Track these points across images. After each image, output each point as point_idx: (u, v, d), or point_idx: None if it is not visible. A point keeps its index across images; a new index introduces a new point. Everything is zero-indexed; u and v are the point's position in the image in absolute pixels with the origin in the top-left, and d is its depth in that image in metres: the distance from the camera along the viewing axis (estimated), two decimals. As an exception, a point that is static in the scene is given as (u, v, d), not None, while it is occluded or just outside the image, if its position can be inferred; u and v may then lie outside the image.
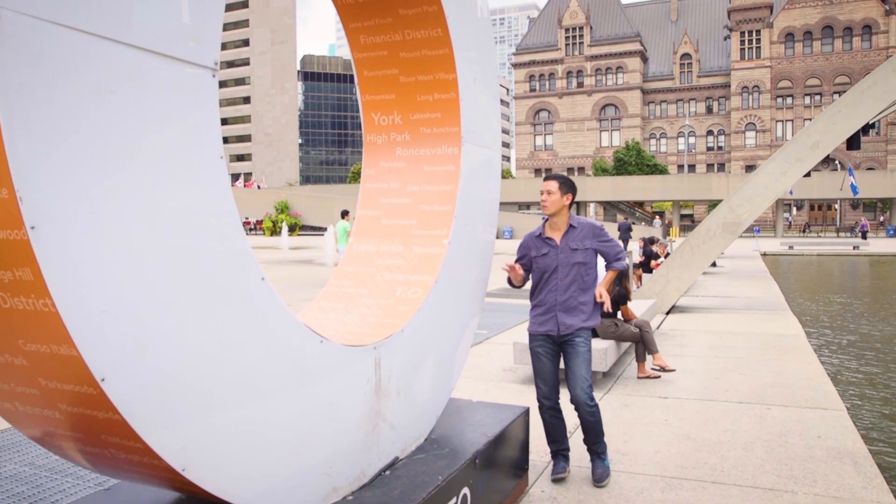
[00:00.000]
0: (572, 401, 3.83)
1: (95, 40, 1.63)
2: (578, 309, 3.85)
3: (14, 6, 1.44)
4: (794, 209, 75.00)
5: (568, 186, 3.88)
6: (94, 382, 1.66)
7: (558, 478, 3.94)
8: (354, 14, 3.38)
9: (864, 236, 43.82)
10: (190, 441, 1.91)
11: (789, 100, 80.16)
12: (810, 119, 68.98)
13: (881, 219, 65.87)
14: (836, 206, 72.70)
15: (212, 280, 1.97)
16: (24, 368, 1.75)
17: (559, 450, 4.03)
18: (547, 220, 3.93)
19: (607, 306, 3.87)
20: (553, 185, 3.85)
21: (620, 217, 68.98)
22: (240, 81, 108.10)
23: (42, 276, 1.52)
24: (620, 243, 4.01)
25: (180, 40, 1.84)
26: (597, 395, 5.92)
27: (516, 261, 3.99)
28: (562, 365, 3.96)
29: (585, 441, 4.00)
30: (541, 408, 3.96)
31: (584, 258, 3.86)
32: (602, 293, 3.86)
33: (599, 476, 3.93)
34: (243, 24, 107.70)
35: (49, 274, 1.53)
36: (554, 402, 3.94)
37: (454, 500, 2.93)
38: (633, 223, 31.07)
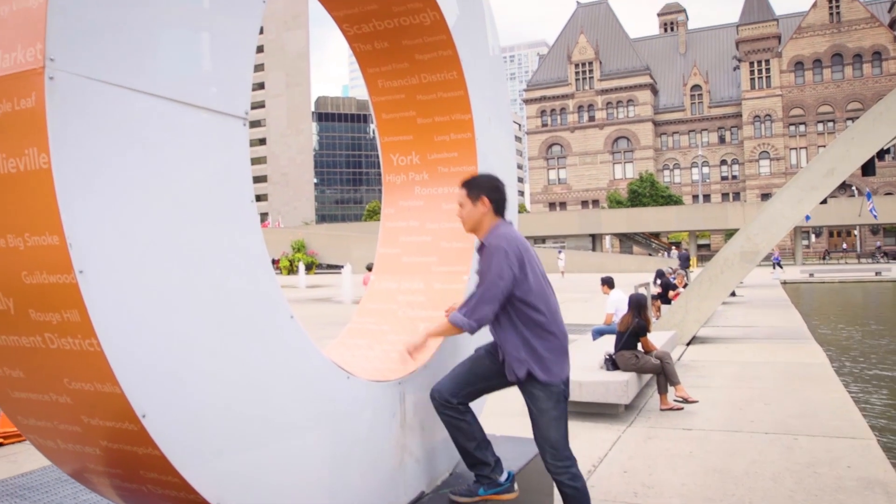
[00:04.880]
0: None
1: (137, 95, 1.74)
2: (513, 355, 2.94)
3: (67, 67, 1.56)
4: (813, 236, 74.40)
5: (480, 187, 2.97)
6: (136, 419, 1.72)
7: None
8: (372, 60, 3.52)
9: (778, 265, 39.54)
10: (225, 476, 1.97)
11: (802, 127, 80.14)
12: (824, 146, 68.91)
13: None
14: (856, 231, 72.00)
15: (245, 319, 2.05)
16: (67, 406, 1.83)
17: (473, 462, 3.01)
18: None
19: (413, 356, 2.93)
20: (461, 195, 2.99)
21: (637, 249, 68.77)
22: (255, 123, 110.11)
23: (89, 318, 1.61)
24: (492, 299, 2.83)
25: (215, 93, 1.96)
26: (619, 428, 5.89)
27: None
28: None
29: None
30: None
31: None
32: (415, 346, 2.92)
33: None
34: (259, 67, 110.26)
35: (95, 315, 1.61)
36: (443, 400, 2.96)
37: (481, 534, 2.93)
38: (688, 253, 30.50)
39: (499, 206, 2.99)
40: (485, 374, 3.03)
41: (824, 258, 65.29)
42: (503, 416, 6.41)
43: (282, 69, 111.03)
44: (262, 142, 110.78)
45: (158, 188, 1.79)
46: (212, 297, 1.94)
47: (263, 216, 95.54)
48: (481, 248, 2.94)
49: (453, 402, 2.95)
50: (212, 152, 1.96)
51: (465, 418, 2.98)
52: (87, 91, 1.61)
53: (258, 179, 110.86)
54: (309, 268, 49.61)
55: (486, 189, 2.96)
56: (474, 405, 3.10)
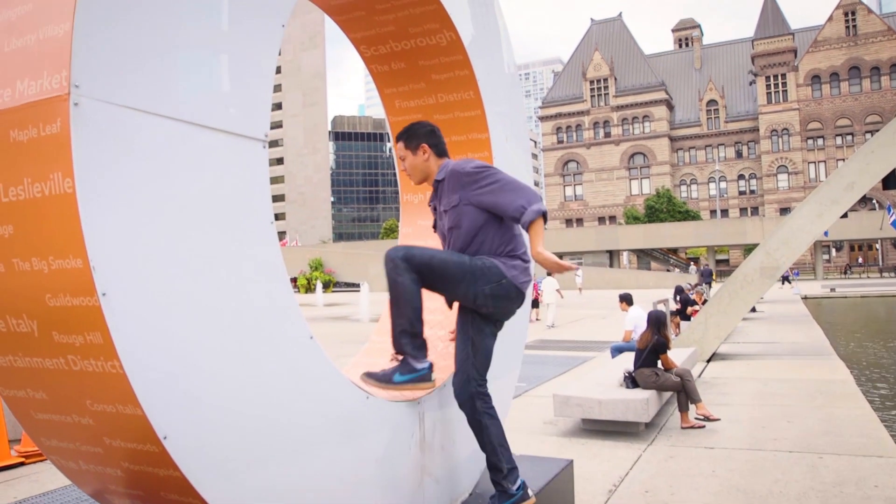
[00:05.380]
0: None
1: (159, 119, 1.77)
2: None
3: (91, 93, 1.59)
4: (834, 251, 73.46)
5: (416, 136, 2.92)
6: (157, 440, 1.73)
7: None
8: (389, 80, 3.55)
9: (786, 280, 38.39)
10: (245, 496, 1.97)
11: (820, 141, 79.51)
12: (843, 159, 68.30)
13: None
14: (877, 245, 71.00)
15: (265, 340, 2.06)
16: (89, 428, 1.84)
17: (488, 466, 2.94)
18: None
19: (551, 263, 2.80)
20: (400, 149, 2.96)
21: (655, 265, 68.28)
22: (273, 143, 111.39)
23: (111, 340, 1.63)
24: (534, 189, 2.88)
25: (235, 116, 1.99)
26: (640, 447, 5.81)
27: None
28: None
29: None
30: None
31: (455, 221, 2.87)
32: (544, 255, 2.77)
33: None
34: (276, 88, 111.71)
35: (118, 337, 1.63)
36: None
37: (501, 556, 2.89)
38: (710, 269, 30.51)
39: (439, 149, 2.97)
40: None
41: (845, 272, 64.37)
42: (520, 432, 6.36)
43: (299, 89, 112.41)
44: (280, 161, 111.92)
45: (180, 211, 1.81)
46: (232, 320, 1.95)
47: (281, 235, 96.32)
48: (440, 183, 2.90)
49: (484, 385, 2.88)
50: (232, 175, 1.98)
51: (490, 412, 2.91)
52: (110, 116, 1.64)
53: (276, 198, 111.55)
54: (326, 286, 49.80)
55: (423, 136, 2.94)
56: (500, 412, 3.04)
